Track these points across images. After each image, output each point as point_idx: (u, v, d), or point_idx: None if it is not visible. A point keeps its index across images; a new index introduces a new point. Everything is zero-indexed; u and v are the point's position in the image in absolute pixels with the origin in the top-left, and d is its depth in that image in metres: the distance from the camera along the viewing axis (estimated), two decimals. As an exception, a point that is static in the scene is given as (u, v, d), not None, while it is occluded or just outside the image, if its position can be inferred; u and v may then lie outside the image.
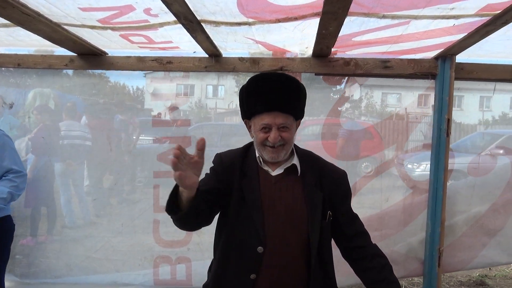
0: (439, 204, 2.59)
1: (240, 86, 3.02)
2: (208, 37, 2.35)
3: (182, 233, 2.84)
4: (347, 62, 2.70)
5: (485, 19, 1.99)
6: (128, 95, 3.24)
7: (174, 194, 1.43)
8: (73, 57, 2.80)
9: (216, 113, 3.76)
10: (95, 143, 3.10)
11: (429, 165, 2.70)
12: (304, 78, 2.79)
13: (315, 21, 2.12)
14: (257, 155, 1.74)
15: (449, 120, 2.58)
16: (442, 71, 2.63)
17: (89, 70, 2.95)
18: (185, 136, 2.86)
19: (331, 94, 2.99)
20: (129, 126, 3.07)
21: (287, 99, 1.64)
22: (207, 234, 2.85)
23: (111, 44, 2.63)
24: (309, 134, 3.18)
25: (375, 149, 2.92)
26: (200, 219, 1.56)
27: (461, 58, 2.64)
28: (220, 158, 1.82)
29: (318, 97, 2.91)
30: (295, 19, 2.12)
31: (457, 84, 2.66)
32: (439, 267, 2.59)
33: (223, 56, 2.77)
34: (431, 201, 2.64)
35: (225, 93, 3.02)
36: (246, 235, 1.64)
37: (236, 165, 1.75)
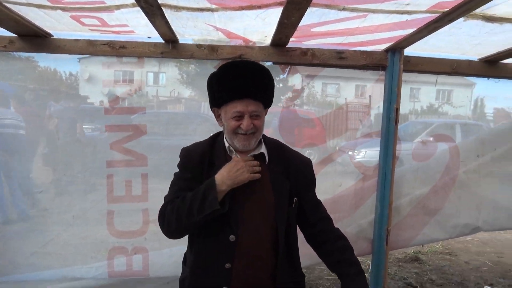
0: (387, 187, 2.79)
1: (183, 74, 2.95)
2: (167, 22, 2.28)
3: (138, 223, 2.78)
4: (304, 52, 2.76)
5: (434, 15, 2.14)
6: (60, 81, 3.07)
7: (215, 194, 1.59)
8: (13, 38, 2.56)
9: (159, 101, 3.66)
10: (32, 132, 2.90)
11: (372, 152, 2.90)
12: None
13: (278, 11, 2.14)
14: (226, 144, 1.75)
15: (397, 110, 2.76)
16: (392, 63, 2.79)
17: (15, 53, 2.73)
18: (139, 124, 2.77)
19: (276, 84, 3.07)
20: (67, 113, 2.90)
21: (259, 87, 1.66)
22: (165, 223, 2.82)
23: (57, 25, 2.45)
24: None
25: (318, 137, 3.04)
26: None
27: (408, 51, 2.82)
28: (188, 153, 1.81)
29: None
30: (259, 7, 2.12)
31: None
32: (387, 245, 2.81)
33: (180, 42, 2.70)
34: (380, 185, 2.83)
35: (166, 80, 2.93)
36: (218, 225, 1.66)
37: (205, 156, 1.75)
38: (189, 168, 1.75)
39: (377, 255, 2.86)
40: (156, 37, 2.63)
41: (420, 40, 2.59)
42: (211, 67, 2.77)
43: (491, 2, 1.89)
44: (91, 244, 2.75)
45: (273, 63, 2.85)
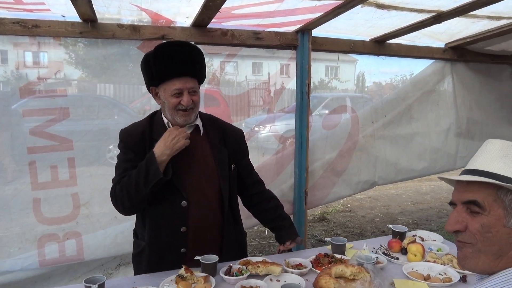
0: (303, 154, 3.17)
1: (69, 54, 2.91)
2: (89, 1, 2.24)
3: (69, 208, 2.72)
4: (224, 32, 2.93)
5: (339, 2, 2.49)
6: None
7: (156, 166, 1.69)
8: None
9: (80, 84, 3.48)
10: None
11: (289, 123, 3.24)
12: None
13: (204, -7, 2.27)
14: (165, 120, 1.87)
15: (308, 85, 3.12)
16: (302, 43, 3.12)
17: None
18: (62, 107, 2.67)
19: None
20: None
21: (195, 65, 1.82)
22: (96, 205, 2.82)
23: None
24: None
25: (223, 115, 3.23)
26: None
27: (315, 32, 3.17)
28: (127, 133, 1.90)
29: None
30: (186, -11, 2.22)
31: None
32: (306, 205, 3.22)
33: (99, 22, 2.65)
34: (297, 153, 3.20)
35: (48, 61, 2.83)
36: (170, 194, 1.80)
37: (145, 134, 1.86)
38: (131, 147, 1.85)
39: (298, 214, 3.25)
40: (72, 16, 2.54)
41: (325, 23, 2.96)
42: (134, 48, 2.78)
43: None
44: (17, 234, 2.62)
45: (195, 43, 2.96)
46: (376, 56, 3.59)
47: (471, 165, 1.11)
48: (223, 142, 1.97)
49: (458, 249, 1.10)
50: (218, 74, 3.20)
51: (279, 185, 3.23)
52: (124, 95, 3.09)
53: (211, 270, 1.83)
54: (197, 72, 1.84)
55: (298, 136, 3.18)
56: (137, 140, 1.86)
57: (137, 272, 1.96)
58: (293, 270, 1.87)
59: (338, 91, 4.14)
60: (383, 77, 4.16)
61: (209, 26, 2.86)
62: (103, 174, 2.75)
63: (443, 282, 1.73)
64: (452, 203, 1.13)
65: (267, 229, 2.47)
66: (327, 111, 3.75)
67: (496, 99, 4.08)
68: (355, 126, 3.48)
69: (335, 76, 4.40)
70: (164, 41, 2.75)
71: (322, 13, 2.72)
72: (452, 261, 1.92)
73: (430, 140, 3.74)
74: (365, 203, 7.31)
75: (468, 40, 3.55)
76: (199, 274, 1.79)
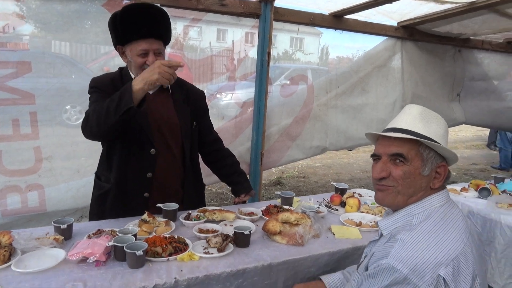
0: (261, 119, 3.38)
1: (20, 7, 2.84)
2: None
3: (31, 161, 2.78)
4: (190, -4, 3.01)
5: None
6: None
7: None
8: None
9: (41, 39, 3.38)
10: None
11: (249, 90, 3.41)
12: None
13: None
14: (133, 76, 1.99)
15: (269, 53, 3.29)
16: (264, 13, 3.25)
17: None
18: (24, 61, 2.67)
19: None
20: None
21: (161, 27, 1.94)
22: (58, 159, 2.91)
23: None
24: (115, 64, 2.98)
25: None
26: None
27: (277, 3, 3.31)
28: (99, 79, 2.02)
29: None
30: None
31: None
32: (261, 166, 3.46)
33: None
34: (255, 117, 3.40)
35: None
36: (140, 141, 1.96)
37: (117, 83, 1.97)
38: (104, 90, 1.94)
39: (253, 174, 3.49)
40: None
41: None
42: (92, 5, 2.79)
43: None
44: (-23, 185, 2.67)
45: (160, 5, 3.01)
46: (340, 31, 3.77)
47: (396, 124, 1.38)
48: (186, 101, 2.14)
49: (379, 192, 1.38)
50: (181, 38, 3.27)
51: (237, 147, 3.43)
52: (81, 54, 3.02)
53: (171, 216, 2.03)
54: (163, 34, 1.96)
55: (257, 102, 3.37)
56: (108, 84, 1.97)
57: (98, 212, 2.10)
58: (245, 217, 2.12)
59: (301, 63, 4.29)
60: (345, 51, 4.38)
61: (176, -11, 2.93)
62: (62, 134, 2.81)
63: (371, 228, 2.04)
64: (375, 155, 1.39)
65: (225, 190, 2.69)
66: (288, 82, 3.92)
67: (439, 77, 4.46)
68: (310, 95, 3.71)
69: (299, 48, 4.53)
70: (130, 1, 2.81)
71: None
72: (381, 212, 2.24)
73: (377, 111, 4.06)
74: (319, 170, 7.74)
75: (417, 20, 3.84)
76: (160, 219, 1.99)
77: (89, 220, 2.18)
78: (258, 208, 2.28)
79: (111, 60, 3.12)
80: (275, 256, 1.72)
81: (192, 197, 2.24)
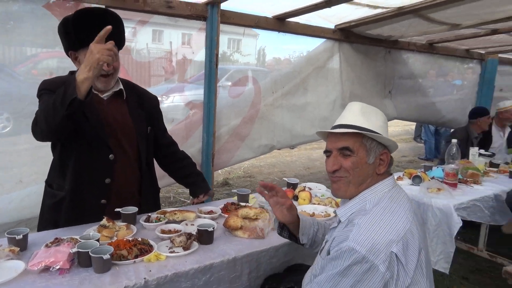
0: (211, 120, 3.43)
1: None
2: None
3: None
4: (136, -2, 2.98)
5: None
6: None
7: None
8: None
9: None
10: None
11: (198, 92, 3.45)
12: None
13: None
14: None
15: (217, 55, 3.36)
16: (211, 15, 3.32)
17: None
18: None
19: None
20: None
21: (115, 32, 1.92)
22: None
23: None
24: (44, 68, 2.96)
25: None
26: None
27: (224, 6, 3.38)
28: (50, 81, 1.95)
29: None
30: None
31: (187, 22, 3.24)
32: (213, 167, 3.51)
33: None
34: (205, 119, 3.45)
35: None
36: (97, 147, 1.93)
37: None
38: (54, 90, 1.86)
39: (205, 175, 3.49)
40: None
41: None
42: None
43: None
44: None
45: (106, 7, 2.94)
46: (277, 32, 3.94)
47: (341, 121, 1.52)
48: (140, 106, 2.14)
49: (334, 183, 1.51)
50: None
51: (188, 148, 3.44)
52: (4, 57, 2.75)
53: (131, 220, 2.03)
54: (116, 37, 1.94)
55: (206, 103, 3.42)
56: (60, 86, 1.90)
57: (52, 221, 2.03)
58: (205, 216, 2.17)
59: (240, 64, 4.37)
60: (282, 52, 4.55)
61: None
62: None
63: (323, 217, 2.20)
64: (327, 151, 1.53)
65: (172, 194, 2.71)
66: (229, 83, 3.98)
67: (372, 76, 4.82)
68: (257, 96, 3.84)
69: (237, 49, 4.62)
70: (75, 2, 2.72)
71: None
72: (331, 202, 2.42)
73: (320, 110, 4.30)
74: (264, 169, 7.93)
75: (353, 23, 4.13)
76: (119, 223, 1.97)
77: (38, 230, 2.08)
78: (215, 206, 2.34)
79: (38, 64, 2.96)
80: (239, 249, 1.80)
81: (149, 201, 2.25)
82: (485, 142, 4.78)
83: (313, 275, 1.50)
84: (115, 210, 2.02)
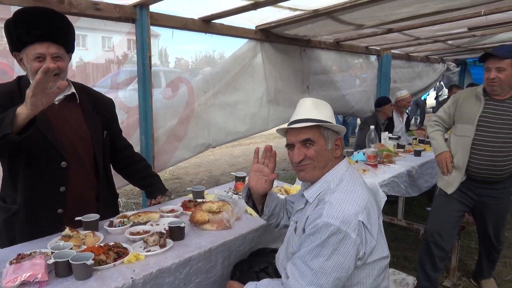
0: (149, 122, 3.41)
1: None
2: None
3: None
4: (61, 0, 2.83)
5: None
6: None
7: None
8: None
9: None
10: None
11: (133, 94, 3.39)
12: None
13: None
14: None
15: (150, 57, 3.35)
16: (141, 17, 3.29)
17: None
18: None
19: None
20: None
21: (58, 30, 1.87)
22: None
23: None
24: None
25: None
26: None
27: (153, 8, 3.37)
28: None
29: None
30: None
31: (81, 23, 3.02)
32: (154, 169, 3.49)
33: None
34: (142, 121, 3.42)
35: None
36: (48, 154, 1.85)
37: (15, 95, 1.83)
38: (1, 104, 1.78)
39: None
40: None
41: (163, 1, 3.22)
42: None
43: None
44: None
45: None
46: (204, 33, 4.00)
47: (297, 117, 1.73)
48: (95, 110, 2.10)
49: (301, 172, 1.71)
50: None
51: (127, 152, 3.38)
52: None
53: (94, 227, 2.00)
54: (60, 37, 1.88)
55: (142, 105, 3.39)
56: (5, 96, 1.81)
57: (8, 237, 1.93)
58: (168, 214, 2.22)
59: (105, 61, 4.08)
60: (185, 53, 4.58)
61: (44, -9, 2.73)
62: None
63: (279, 203, 2.40)
64: (289, 145, 1.72)
65: (119, 199, 2.69)
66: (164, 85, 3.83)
67: (291, 73, 5.18)
68: (191, 96, 3.89)
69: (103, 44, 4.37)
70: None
71: (163, -9, 2.98)
72: (281, 190, 2.63)
73: (249, 107, 4.51)
74: (190, 170, 7.95)
75: (273, 24, 4.40)
76: (83, 232, 1.94)
77: None
78: (174, 205, 2.40)
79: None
80: (212, 241, 1.92)
81: (108, 207, 2.22)
82: (389, 127, 5.48)
83: (290, 253, 1.69)
84: (76, 219, 1.97)
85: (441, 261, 2.98)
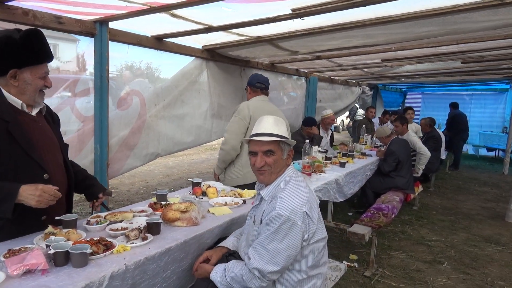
0: (104, 131, 3.57)
1: None
2: None
3: None
4: (26, 12, 2.94)
5: (145, 7, 3.09)
6: None
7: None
8: None
9: None
10: None
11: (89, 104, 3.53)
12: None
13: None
14: (17, 100, 2.02)
15: (108, 70, 3.54)
16: (100, 32, 3.49)
17: None
18: None
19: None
20: None
21: (51, 51, 2.11)
22: None
23: None
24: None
25: None
26: None
27: (112, 24, 3.58)
28: None
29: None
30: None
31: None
32: (108, 176, 3.64)
33: None
34: (97, 130, 3.57)
35: None
36: (31, 168, 2.02)
37: None
38: None
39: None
40: None
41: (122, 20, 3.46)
42: None
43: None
44: None
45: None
46: (156, 50, 4.27)
47: (262, 130, 2.15)
48: (53, 122, 2.29)
49: (261, 175, 2.13)
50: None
51: (81, 160, 3.49)
52: None
53: (73, 225, 2.19)
54: (52, 58, 2.13)
55: (98, 115, 3.55)
56: None
57: None
58: (140, 214, 2.48)
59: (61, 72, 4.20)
60: (139, 68, 4.80)
61: (10, 3, 2.83)
62: None
63: (234, 205, 2.78)
64: (252, 152, 2.13)
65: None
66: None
67: (233, 90, 5.62)
68: (143, 107, 4.11)
69: (55, 55, 4.42)
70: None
71: (126, 11, 3.23)
72: (235, 194, 3.02)
73: (195, 120, 4.83)
74: (124, 180, 7.91)
75: (218, 46, 4.82)
76: (64, 230, 2.12)
77: None
78: (141, 207, 2.65)
79: None
80: (185, 235, 2.23)
81: (70, 208, 2.41)
82: (312, 143, 6.15)
83: (250, 240, 2.09)
84: (56, 218, 2.14)
85: None
